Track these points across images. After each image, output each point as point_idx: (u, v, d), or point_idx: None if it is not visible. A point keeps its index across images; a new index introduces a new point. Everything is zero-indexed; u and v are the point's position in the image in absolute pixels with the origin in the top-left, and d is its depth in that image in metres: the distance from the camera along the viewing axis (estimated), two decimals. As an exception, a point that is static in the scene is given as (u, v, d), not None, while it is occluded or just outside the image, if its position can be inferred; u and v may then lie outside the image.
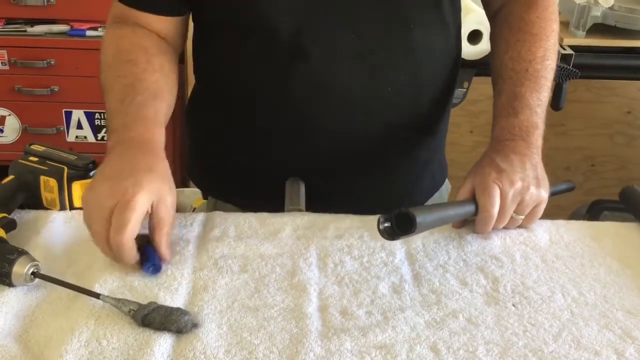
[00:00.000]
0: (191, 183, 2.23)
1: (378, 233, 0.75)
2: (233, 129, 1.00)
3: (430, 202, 1.10)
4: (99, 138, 2.13)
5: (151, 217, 0.73)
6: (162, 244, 0.74)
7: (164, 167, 0.77)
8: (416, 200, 1.07)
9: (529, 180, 0.83)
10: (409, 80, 0.94)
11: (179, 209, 0.87)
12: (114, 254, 0.72)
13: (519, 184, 0.82)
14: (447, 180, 1.16)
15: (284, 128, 0.95)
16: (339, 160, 0.97)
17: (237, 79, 0.95)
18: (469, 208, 0.82)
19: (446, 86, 1.02)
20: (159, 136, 0.81)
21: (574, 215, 2.18)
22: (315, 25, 0.87)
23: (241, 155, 1.01)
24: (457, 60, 1.03)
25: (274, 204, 0.92)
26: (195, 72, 1.04)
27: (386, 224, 0.75)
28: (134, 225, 0.70)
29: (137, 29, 0.92)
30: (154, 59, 0.89)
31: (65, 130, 2.12)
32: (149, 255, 0.74)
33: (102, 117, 2.11)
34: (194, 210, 1.98)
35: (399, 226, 0.74)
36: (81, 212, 0.85)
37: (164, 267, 0.75)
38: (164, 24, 0.94)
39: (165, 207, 0.74)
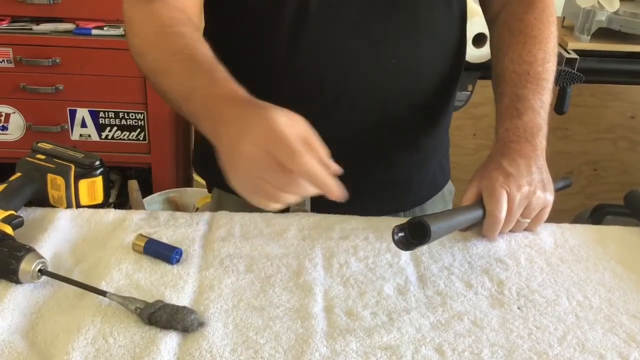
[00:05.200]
0: (194, 183, 2.24)
1: (383, 234, 0.75)
2: None
3: (430, 202, 1.10)
4: (103, 137, 2.13)
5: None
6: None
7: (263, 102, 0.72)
8: (414, 199, 1.07)
9: (535, 184, 0.83)
10: (410, 53, 0.94)
11: (182, 208, 0.86)
12: (311, 181, 0.65)
13: (525, 188, 0.82)
14: (450, 182, 1.16)
15: (287, 98, 0.94)
16: (340, 140, 0.97)
17: (244, 49, 0.95)
18: (477, 213, 0.82)
19: (449, 72, 1.01)
20: (240, 88, 0.75)
21: (576, 219, 2.17)
22: None
23: None
24: (460, 49, 1.03)
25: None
26: None
27: (400, 234, 0.75)
28: (299, 142, 0.65)
29: (164, 5, 0.86)
30: (195, 30, 0.85)
31: (70, 129, 2.12)
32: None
33: (106, 116, 2.11)
34: (196, 210, 1.99)
35: (413, 236, 0.75)
36: (87, 210, 0.86)
37: (170, 267, 0.76)
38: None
39: (299, 121, 0.68)
